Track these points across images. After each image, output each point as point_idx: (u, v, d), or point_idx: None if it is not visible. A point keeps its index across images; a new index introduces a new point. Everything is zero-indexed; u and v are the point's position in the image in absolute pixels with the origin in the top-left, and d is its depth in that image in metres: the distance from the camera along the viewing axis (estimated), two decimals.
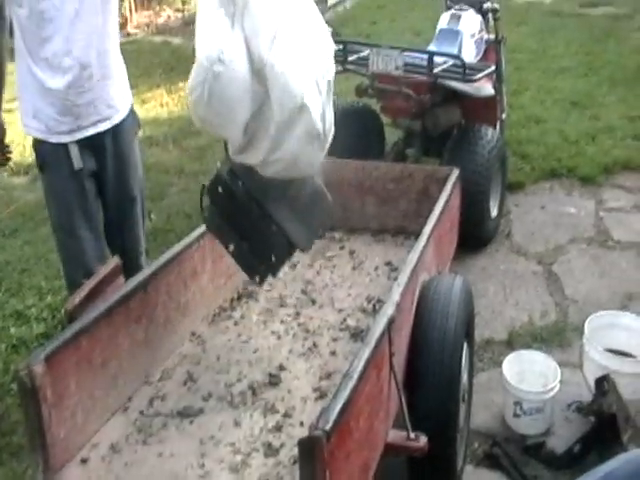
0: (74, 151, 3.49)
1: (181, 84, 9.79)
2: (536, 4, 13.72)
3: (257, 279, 3.02)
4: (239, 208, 2.91)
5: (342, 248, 4.28)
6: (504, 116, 5.82)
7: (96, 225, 3.69)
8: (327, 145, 2.80)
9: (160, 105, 9.02)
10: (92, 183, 3.62)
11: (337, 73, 4.95)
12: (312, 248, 3.20)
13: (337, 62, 4.77)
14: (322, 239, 4.38)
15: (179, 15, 15.51)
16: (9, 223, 5.85)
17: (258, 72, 2.60)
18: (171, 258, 3.27)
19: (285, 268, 4.00)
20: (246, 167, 2.79)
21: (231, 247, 3.00)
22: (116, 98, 3.60)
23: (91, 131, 3.52)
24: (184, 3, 16.27)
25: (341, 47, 4.97)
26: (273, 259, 2.96)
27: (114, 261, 3.07)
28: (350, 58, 4.90)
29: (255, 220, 2.89)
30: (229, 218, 2.99)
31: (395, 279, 3.06)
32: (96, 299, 2.80)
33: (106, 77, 3.50)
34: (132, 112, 3.78)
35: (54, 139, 3.48)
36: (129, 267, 3.52)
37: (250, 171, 2.79)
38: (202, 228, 3.53)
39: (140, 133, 7.48)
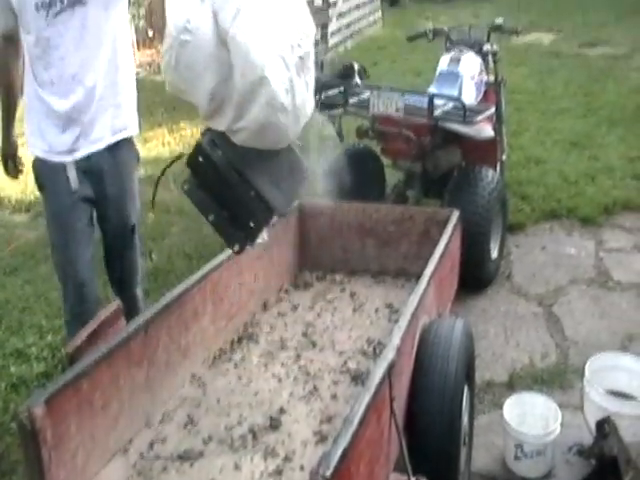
0: (72, 172, 3.56)
1: (183, 123, 9.87)
2: (535, 45, 13.87)
3: (236, 247, 3.14)
4: (219, 177, 3.05)
5: (343, 290, 4.29)
6: (504, 157, 5.85)
7: (90, 248, 3.73)
8: (302, 119, 2.93)
9: (162, 144, 9.07)
10: (88, 207, 3.68)
11: (338, 115, 5.05)
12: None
13: (338, 104, 4.87)
14: (323, 282, 4.42)
15: None
16: (10, 261, 5.85)
17: (223, 43, 2.73)
18: (172, 300, 3.27)
19: (286, 310, 4.03)
20: (225, 136, 2.93)
21: (211, 217, 3.14)
22: (119, 121, 3.67)
23: (92, 148, 3.58)
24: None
25: (342, 89, 5.02)
26: (252, 225, 3.10)
27: (115, 304, 3.09)
28: (351, 100, 4.93)
29: (234, 187, 3.03)
30: (209, 188, 3.12)
31: (396, 321, 3.07)
32: (97, 341, 2.80)
33: (110, 101, 3.58)
34: (132, 144, 3.84)
35: (55, 158, 3.56)
36: (126, 297, 3.77)
37: (229, 140, 2.93)
38: (203, 270, 3.55)
39: (142, 171, 7.56)
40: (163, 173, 3.35)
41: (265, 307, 4.11)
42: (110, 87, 3.56)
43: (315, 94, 3.90)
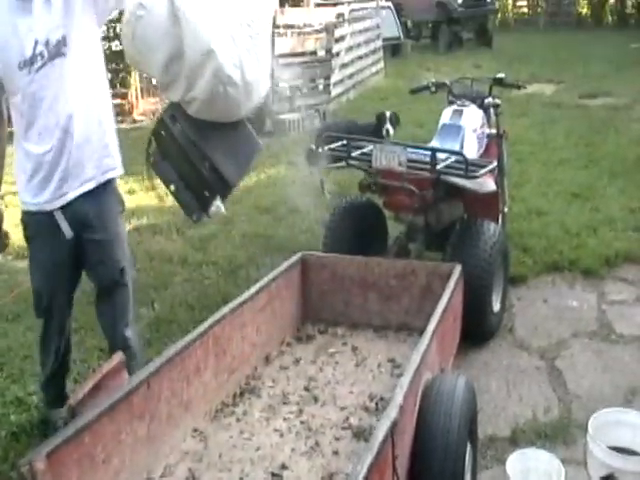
0: (62, 221, 3.66)
1: None
2: (537, 96, 13.97)
3: (194, 216, 3.56)
4: (178, 149, 3.43)
5: (345, 344, 4.30)
6: (506, 209, 5.87)
7: (73, 290, 3.94)
8: (255, 96, 3.46)
9: (165, 193, 9.08)
10: (75, 253, 3.77)
11: (340, 168, 5.09)
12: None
13: (340, 157, 4.91)
14: (325, 335, 4.42)
15: None
16: (12, 308, 5.83)
17: (175, 18, 3.13)
18: (174, 353, 3.29)
19: (288, 364, 4.03)
20: (184, 110, 3.32)
21: (172, 187, 3.55)
22: (105, 160, 3.76)
23: (79, 191, 3.67)
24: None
25: (344, 142, 5.06)
26: (206, 194, 3.49)
27: (118, 356, 3.10)
28: (353, 154, 4.96)
29: (191, 159, 3.42)
30: (170, 159, 3.50)
31: (398, 376, 3.08)
32: (99, 394, 2.80)
33: (95, 143, 3.68)
34: (116, 189, 3.95)
35: (45, 208, 3.64)
36: (117, 339, 3.96)
37: (187, 115, 3.32)
38: (205, 324, 3.56)
39: (144, 220, 7.59)
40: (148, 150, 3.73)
41: (267, 360, 4.12)
42: (93, 130, 3.66)
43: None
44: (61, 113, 3.54)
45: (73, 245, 3.73)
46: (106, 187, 3.79)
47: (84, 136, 3.61)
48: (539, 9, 36.31)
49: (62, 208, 3.65)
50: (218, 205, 3.62)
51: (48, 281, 3.80)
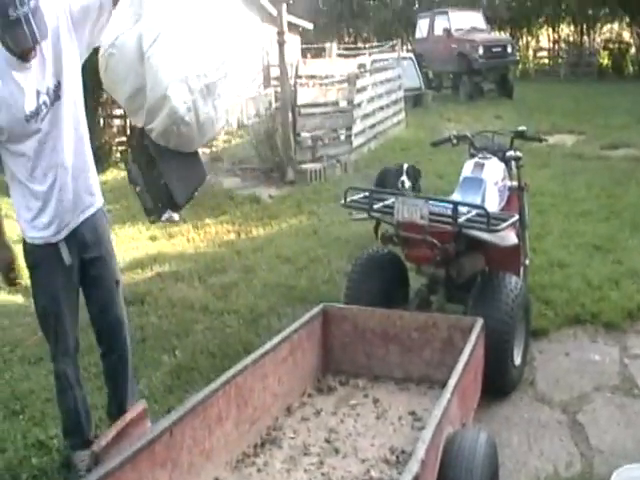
0: (64, 249, 3.93)
1: (208, 220, 10.01)
2: (558, 147, 14.01)
3: (151, 219, 4.13)
4: (145, 158, 4.02)
5: (366, 396, 4.30)
6: (527, 262, 5.88)
7: (77, 311, 4.14)
8: (208, 134, 4.19)
9: (187, 240, 9.17)
10: (77, 276, 4.05)
11: (362, 220, 5.12)
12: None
13: (362, 209, 4.95)
14: (346, 387, 4.42)
15: (207, 151, 15.87)
16: (35, 351, 5.87)
17: (141, 60, 3.78)
18: (197, 403, 3.31)
19: (309, 415, 4.03)
20: None
21: (137, 188, 4.11)
22: (94, 187, 4.10)
23: (79, 220, 3.98)
24: (211, 139, 16.65)
25: (367, 194, 5.10)
26: (160, 205, 4.07)
27: (141, 404, 3.14)
28: (375, 206, 5.00)
29: (152, 171, 4.00)
30: (139, 165, 4.10)
31: (419, 429, 3.08)
32: (122, 441, 2.83)
33: (87, 174, 4.02)
34: (104, 210, 4.26)
35: (46, 240, 3.90)
36: (114, 345, 4.29)
37: None
38: (228, 374, 3.58)
39: (167, 267, 7.64)
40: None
41: (288, 411, 4.12)
42: (83, 160, 3.97)
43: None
44: (60, 151, 3.82)
45: (74, 267, 3.99)
46: (97, 211, 4.11)
47: (78, 168, 3.91)
48: (560, 60, 36.55)
49: (65, 238, 3.93)
50: (171, 215, 4.30)
51: (53, 305, 3.99)
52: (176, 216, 4.25)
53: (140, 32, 3.80)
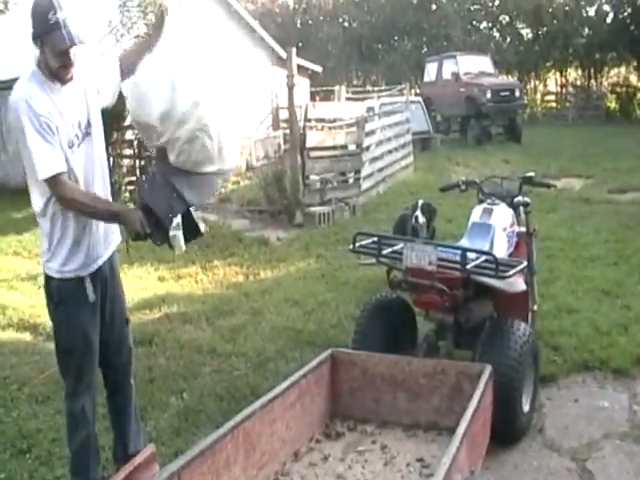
0: (89, 285, 4.00)
1: (216, 262, 10.03)
2: (566, 191, 14.04)
3: (157, 242, 4.03)
4: (160, 181, 4.07)
5: (374, 442, 4.29)
6: (535, 307, 5.87)
7: (97, 348, 4.14)
8: (224, 158, 4.17)
9: (195, 282, 9.18)
10: (99, 313, 4.09)
11: (371, 265, 5.12)
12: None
13: (371, 255, 4.97)
14: (354, 432, 4.41)
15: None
16: (42, 390, 5.88)
17: (172, 86, 3.97)
18: (205, 447, 3.31)
19: (317, 461, 4.02)
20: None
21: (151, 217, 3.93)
22: (115, 225, 4.23)
23: (104, 257, 4.10)
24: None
25: (375, 239, 5.12)
26: (170, 217, 4.02)
27: (149, 448, 3.14)
28: (384, 251, 5.02)
29: (166, 190, 4.04)
30: (153, 189, 4.09)
31: (427, 476, 3.07)
32: None
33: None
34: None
35: (76, 274, 3.97)
36: (122, 385, 4.36)
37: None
38: (236, 418, 3.59)
39: (175, 308, 7.66)
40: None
41: (296, 456, 4.12)
42: (108, 197, 4.13)
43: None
44: (92, 185, 3.97)
45: (97, 304, 4.05)
46: (115, 249, 4.24)
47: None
48: (568, 103, 36.75)
49: (94, 272, 4.02)
50: (180, 245, 4.25)
51: (79, 340, 4.00)
52: (184, 246, 4.18)
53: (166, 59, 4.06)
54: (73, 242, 3.92)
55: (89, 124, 3.96)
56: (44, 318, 7.09)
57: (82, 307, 3.98)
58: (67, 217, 3.88)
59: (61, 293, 3.98)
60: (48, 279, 4.01)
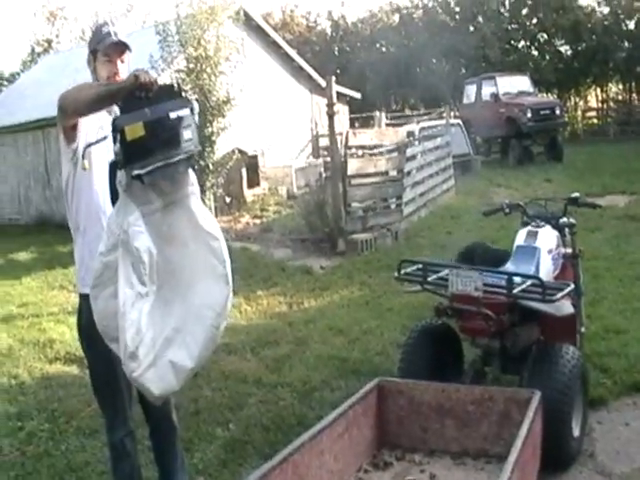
0: None
1: (259, 292, 10.05)
2: (610, 208, 13.85)
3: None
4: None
5: (422, 471, 4.25)
6: (583, 329, 5.80)
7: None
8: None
9: (239, 312, 9.19)
10: None
11: (416, 292, 5.10)
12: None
13: (416, 282, 4.95)
14: (402, 462, 4.37)
15: (257, 221, 16.06)
16: (90, 422, 5.93)
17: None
18: None
19: None
20: None
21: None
22: None
23: None
24: (262, 210, 16.88)
25: (420, 266, 5.10)
26: None
27: None
28: (429, 278, 5.00)
29: None
30: None
31: None
32: None
33: None
34: None
35: None
36: (161, 422, 4.33)
37: None
38: (284, 452, 3.57)
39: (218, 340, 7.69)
40: None
41: None
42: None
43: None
44: (105, 185, 3.80)
45: None
46: None
47: None
48: (609, 119, 36.42)
49: None
50: None
51: (111, 373, 3.96)
52: None
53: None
54: (89, 255, 3.92)
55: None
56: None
57: None
58: (93, 234, 3.90)
59: (93, 325, 3.78)
60: (81, 303, 4.02)
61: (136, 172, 3.42)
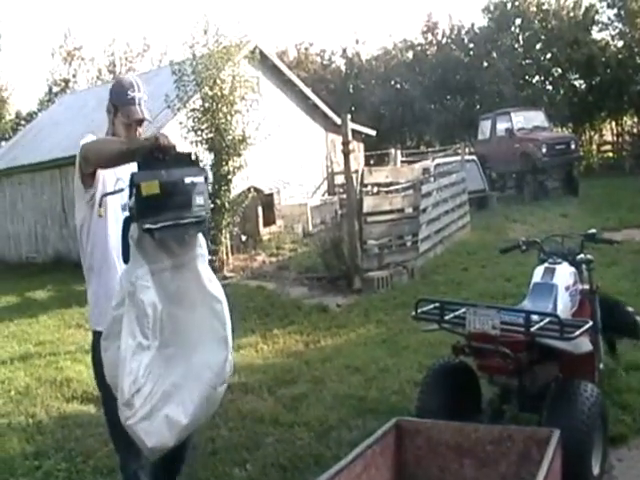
0: None
1: (276, 330, 10.04)
2: (626, 243, 13.73)
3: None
4: None
5: None
6: (602, 366, 5.76)
7: None
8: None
9: (255, 351, 9.19)
10: None
11: (433, 330, 5.09)
12: None
13: (433, 320, 4.94)
14: None
15: (273, 259, 16.07)
16: (107, 462, 5.90)
17: None
18: None
19: None
20: None
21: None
22: None
23: None
24: (278, 248, 16.90)
25: (437, 305, 5.10)
26: None
27: None
28: (446, 317, 5.00)
29: None
30: None
31: None
32: None
33: None
34: None
35: None
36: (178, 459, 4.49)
37: None
38: None
39: (235, 379, 7.68)
40: None
41: None
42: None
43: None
44: (118, 232, 4.02)
45: None
46: None
47: None
48: (624, 152, 36.33)
49: None
50: None
51: None
52: None
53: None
54: (103, 293, 4.16)
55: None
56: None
57: None
58: (108, 274, 4.15)
59: None
60: (95, 341, 4.18)
61: (147, 226, 3.59)
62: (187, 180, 3.71)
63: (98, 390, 4.35)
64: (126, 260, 3.75)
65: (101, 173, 4.10)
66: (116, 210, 4.16)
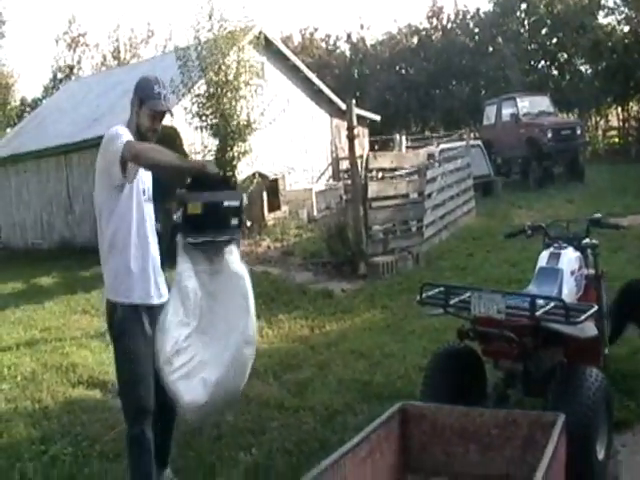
0: (146, 320, 4.58)
1: (281, 316, 10.04)
2: (632, 228, 13.68)
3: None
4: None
5: None
6: (607, 351, 5.76)
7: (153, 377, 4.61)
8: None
9: (260, 336, 9.16)
10: (152, 347, 4.49)
11: (438, 315, 5.09)
12: None
13: (438, 305, 4.94)
14: None
15: (278, 245, 16.05)
16: (113, 446, 5.93)
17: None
18: None
19: None
20: None
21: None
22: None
23: (163, 299, 4.66)
24: (283, 234, 16.89)
25: (442, 289, 5.09)
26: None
27: None
28: (451, 301, 4.99)
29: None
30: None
31: None
32: None
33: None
34: None
35: (138, 300, 4.59)
36: (172, 415, 4.90)
37: None
38: (306, 477, 3.55)
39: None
40: None
41: None
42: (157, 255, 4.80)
43: None
44: (144, 230, 4.71)
45: (151, 339, 4.50)
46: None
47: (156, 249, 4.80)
48: (630, 138, 36.19)
49: (149, 309, 4.61)
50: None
51: (138, 367, 4.56)
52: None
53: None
54: (136, 272, 4.57)
55: (149, 190, 4.80)
56: (113, 375, 7.16)
57: (140, 339, 4.54)
58: (129, 251, 4.56)
59: (124, 324, 4.57)
60: (113, 309, 4.63)
61: (190, 240, 4.38)
62: (226, 204, 4.42)
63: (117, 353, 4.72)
64: (171, 261, 4.50)
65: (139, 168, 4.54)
66: (138, 194, 4.62)
